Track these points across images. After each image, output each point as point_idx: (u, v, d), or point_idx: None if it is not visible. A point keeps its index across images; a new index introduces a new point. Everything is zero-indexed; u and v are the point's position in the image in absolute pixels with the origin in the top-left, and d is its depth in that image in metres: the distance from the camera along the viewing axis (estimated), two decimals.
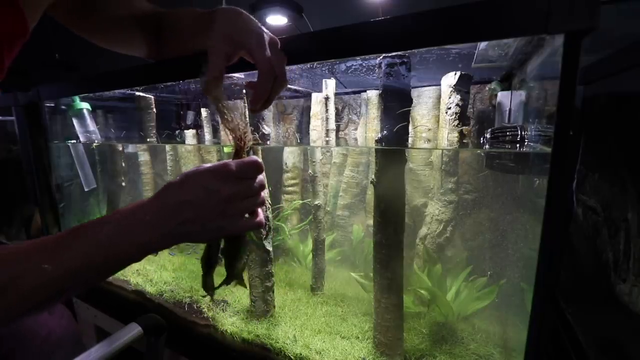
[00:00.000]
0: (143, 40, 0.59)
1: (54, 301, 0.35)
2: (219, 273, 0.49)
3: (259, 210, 0.43)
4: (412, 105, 0.62)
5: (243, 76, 0.60)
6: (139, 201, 0.37)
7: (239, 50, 0.43)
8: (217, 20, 0.43)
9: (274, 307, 0.84)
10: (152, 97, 1.07)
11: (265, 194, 0.43)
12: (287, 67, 0.45)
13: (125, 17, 0.57)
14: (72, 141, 1.09)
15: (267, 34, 0.43)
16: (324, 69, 0.75)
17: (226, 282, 0.49)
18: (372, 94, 0.98)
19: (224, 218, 0.38)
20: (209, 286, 0.48)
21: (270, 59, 0.41)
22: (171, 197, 0.37)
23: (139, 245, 0.36)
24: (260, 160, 0.42)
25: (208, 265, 0.47)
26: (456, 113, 0.71)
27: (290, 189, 1.25)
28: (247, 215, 0.42)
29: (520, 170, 0.64)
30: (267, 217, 0.80)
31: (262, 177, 0.42)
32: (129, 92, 1.04)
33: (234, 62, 0.46)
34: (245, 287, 0.53)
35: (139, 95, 1.05)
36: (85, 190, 1.13)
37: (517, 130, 0.57)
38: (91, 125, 1.04)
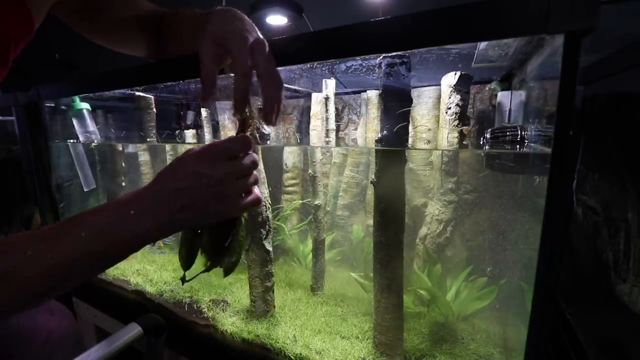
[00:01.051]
0: (144, 40, 0.59)
1: (53, 292, 0.34)
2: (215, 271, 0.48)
3: (254, 188, 0.42)
4: (412, 105, 0.62)
5: None
6: (136, 190, 0.37)
7: (224, 50, 0.42)
8: (210, 21, 0.42)
9: (274, 307, 0.84)
10: (152, 97, 1.07)
11: (263, 185, 0.42)
12: (287, 67, 0.45)
13: (128, 18, 0.57)
14: (72, 141, 1.09)
15: (253, 36, 0.42)
16: (324, 69, 0.75)
17: (208, 269, 0.47)
18: (372, 94, 0.97)
19: (221, 200, 0.38)
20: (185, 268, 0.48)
21: (246, 59, 0.40)
22: (165, 185, 0.37)
23: (137, 235, 0.36)
24: (249, 135, 0.41)
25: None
26: (456, 113, 0.71)
27: (290, 189, 1.25)
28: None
29: (520, 170, 0.64)
30: (267, 217, 0.80)
31: (254, 154, 0.41)
32: (129, 92, 1.03)
33: (225, 64, 0.45)
34: (227, 274, 0.49)
35: (139, 95, 1.05)
36: (85, 190, 1.13)
37: (517, 130, 0.57)
38: (91, 126, 1.04)
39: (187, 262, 0.47)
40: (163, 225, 0.37)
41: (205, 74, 0.42)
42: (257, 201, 0.42)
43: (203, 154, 0.38)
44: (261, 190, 0.79)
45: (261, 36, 0.43)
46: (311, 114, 1.02)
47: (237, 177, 0.39)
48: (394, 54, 0.55)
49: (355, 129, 1.17)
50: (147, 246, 1.24)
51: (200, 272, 0.47)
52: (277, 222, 1.18)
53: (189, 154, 0.38)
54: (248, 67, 0.40)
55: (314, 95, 0.99)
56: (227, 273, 0.47)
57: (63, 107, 1.08)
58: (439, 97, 0.83)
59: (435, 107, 0.86)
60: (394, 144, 0.62)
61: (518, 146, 0.57)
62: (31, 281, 0.31)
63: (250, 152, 0.41)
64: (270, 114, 0.42)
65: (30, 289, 0.32)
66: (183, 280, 0.48)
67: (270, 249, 0.82)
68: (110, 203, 0.36)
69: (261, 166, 0.83)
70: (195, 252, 0.46)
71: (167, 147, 1.34)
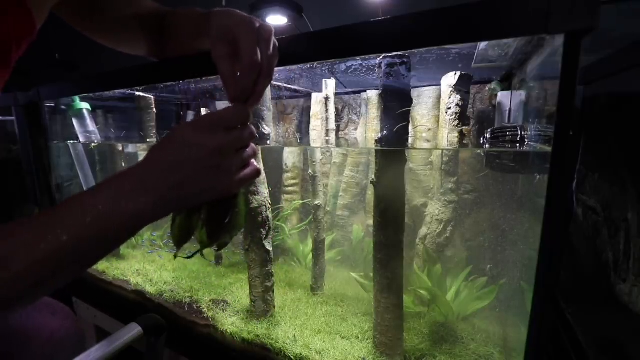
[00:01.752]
0: (146, 40, 0.59)
1: (49, 282, 0.32)
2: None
3: (252, 160, 0.40)
4: (412, 105, 0.62)
5: None
6: (128, 168, 0.35)
7: (234, 47, 0.40)
8: (213, 20, 0.42)
9: (274, 307, 0.84)
10: (152, 97, 1.07)
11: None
12: (287, 67, 0.45)
13: (130, 17, 0.57)
14: (72, 141, 1.09)
15: (259, 22, 0.41)
16: (324, 69, 0.75)
17: (207, 246, 0.44)
18: (372, 94, 0.98)
19: (217, 174, 0.36)
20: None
21: (255, 50, 0.38)
22: (158, 160, 0.35)
23: (131, 215, 0.33)
24: (245, 106, 0.39)
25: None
26: (456, 113, 0.71)
27: (290, 189, 1.25)
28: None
29: (520, 170, 0.64)
30: (267, 217, 0.80)
31: (251, 126, 0.39)
32: (129, 92, 1.04)
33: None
34: (221, 249, 0.47)
35: (139, 95, 1.05)
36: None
37: (517, 130, 0.57)
38: (91, 126, 1.04)
39: (179, 241, 0.44)
40: (158, 203, 0.34)
41: (226, 79, 0.40)
42: (256, 173, 0.40)
43: (197, 125, 0.36)
44: (261, 190, 0.79)
45: (268, 27, 0.41)
46: (311, 114, 1.02)
47: (235, 149, 0.37)
48: (394, 54, 0.55)
49: (355, 129, 1.17)
50: (148, 246, 1.24)
51: (198, 251, 0.45)
52: (277, 222, 1.18)
53: (182, 125, 0.36)
54: (256, 56, 0.38)
55: (314, 95, 0.99)
56: (220, 247, 0.46)
57: (63, 107, 1.08)
58: (439, 97, 0.83)
59: (435, 107, 0.86)
60: (394, 144, 0.62)
61: (518, 146, 0.57)
62: (25, 271, 0.30)
63: (248, 124, 0.39)
64: (253, 103, 0.41)
65: (27, 278, 0.30)
66: (176, 256, 0.46)
67: (270, 249, 0.82)
68: (103, 183, 0.34)
69: (261, 166, 0.83)
70: (191, 231, 0.43)
71: None
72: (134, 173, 0.35)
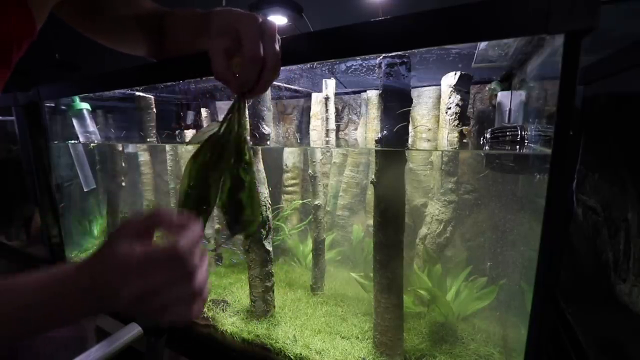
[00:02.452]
0: (146, 40, 0.59)
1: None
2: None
3: (201, 296, 0.34)
4: (412, 105, 0.62)
5: None
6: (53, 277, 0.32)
7: (235, 42, 0.40)
8: (213, 19, 0.42)
9: (274, 307, 0.84)
10: (152, 97, 1.07)
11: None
12: (287, 67, 0.45)
13: (130, 17, 0.57)
14: (72, 141, 1.09)
15: (261, 17, 0.41)
16: (324, 69, 0.75)
17: (231, 235, 0.47)
18: (372, 94, 0.97)
19: (141, 306, 0.32)
20: None
21: (257, 43, 0.38)
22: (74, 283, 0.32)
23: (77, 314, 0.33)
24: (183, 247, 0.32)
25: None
26: (456, 113, 0.71)
27: (290, 189, 1.25)
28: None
29: (520, 170, 0.64)
30: (267, 217, 0.80)
31: (189, 266, 0.32)
32: (129, 92, 1.03)
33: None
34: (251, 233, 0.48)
35: (139, 95, 1.05)
36: (85, 190, 1.13)
37: (517, 131, 0.57)
38: (91, 126, 1.04)
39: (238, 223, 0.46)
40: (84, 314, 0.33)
41: (222, 76, 0.40)
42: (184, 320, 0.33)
43: (120, 264, 0.31)
44: (261, 190, 0.79)
45: (270, 24, 0.41)
46: (311, 114, 1.02)
47: (159, 294, 0.31)
48: (394, 54, 0.55)
49: (355, 129, 1.17)
50: None
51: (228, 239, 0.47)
52: (277, 222, 1.18)
53: (112, 256, 0.31)
54: (258, 47, 0.38)
55: (314, 95, 0.99)
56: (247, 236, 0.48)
57: (63, 107, 1.08)
58: (439, 97, 0.83)
59: (435, 107, 0.86)
60: (394, 144, 0.62)
61: (518, 146, 0.57)
62: None
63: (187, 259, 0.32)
64: (255, 94, 0.42)
65: None
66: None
67: (270, 249, 0.82)
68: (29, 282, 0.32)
69: (261, 166, 0.83)
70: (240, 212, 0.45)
71: (167, 147, 1.34)
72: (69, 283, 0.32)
